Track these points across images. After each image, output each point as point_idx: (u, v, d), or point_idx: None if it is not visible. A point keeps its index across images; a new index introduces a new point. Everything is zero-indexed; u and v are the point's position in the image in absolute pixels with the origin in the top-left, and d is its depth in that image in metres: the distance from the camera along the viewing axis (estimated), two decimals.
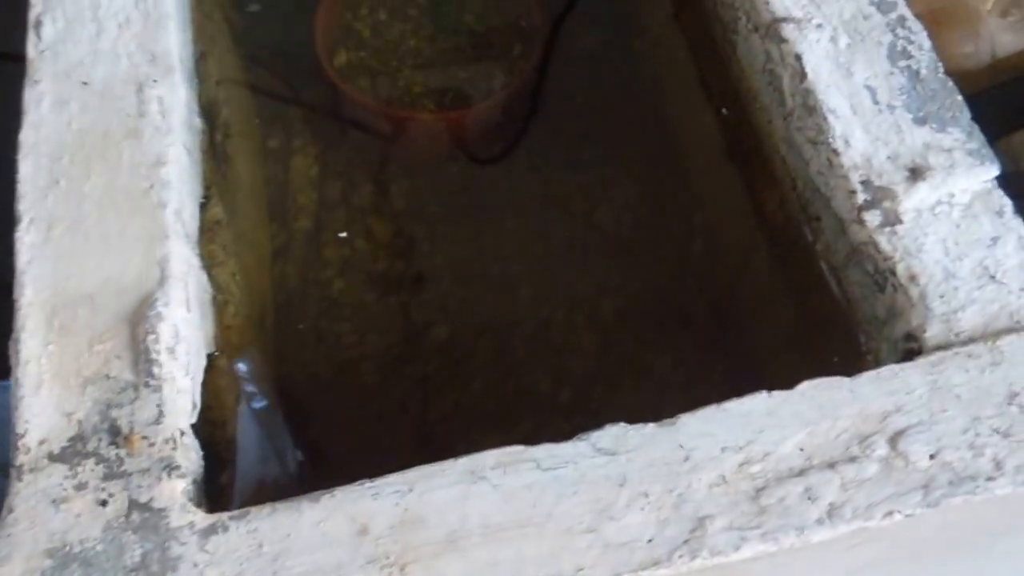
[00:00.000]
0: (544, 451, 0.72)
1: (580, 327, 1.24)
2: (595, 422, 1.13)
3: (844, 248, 0.88)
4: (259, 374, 1.00)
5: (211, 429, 0.88)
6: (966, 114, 0.89)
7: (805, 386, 0.75)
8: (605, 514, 0.69)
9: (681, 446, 0.72)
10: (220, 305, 0.96)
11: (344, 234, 1.23)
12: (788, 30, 0.94)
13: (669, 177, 1.30)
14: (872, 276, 0.84)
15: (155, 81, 0.90)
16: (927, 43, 0.93)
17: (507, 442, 1.16)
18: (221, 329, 0.94)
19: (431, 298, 1.25)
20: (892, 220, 0.84)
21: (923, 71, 0.91)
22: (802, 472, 0.71)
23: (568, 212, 1.31)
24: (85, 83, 0.88)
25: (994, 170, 0.86)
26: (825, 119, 0.88)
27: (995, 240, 0.82)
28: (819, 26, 0.94)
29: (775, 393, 0.75)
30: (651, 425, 0.73)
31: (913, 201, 0.84)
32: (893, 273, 0.81)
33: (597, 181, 1.31)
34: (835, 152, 0.87)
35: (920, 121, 0.88)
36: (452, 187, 1.34)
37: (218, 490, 0.86)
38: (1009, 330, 0.77)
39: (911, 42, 0.93)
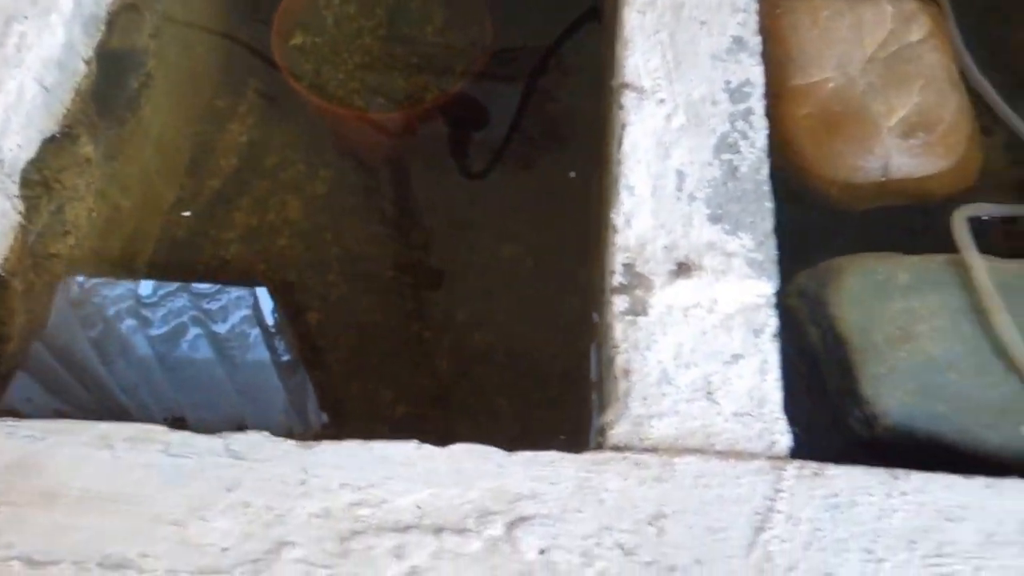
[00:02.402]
0: (180, 438, 0.73)
1: (445, 350, 1.24)
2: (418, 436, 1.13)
3: (602, 327, 0.85)
4: None
5: None
6: (767, 222, 0.84)
7: (457, 448, 0.73)
8: (199, 513, 0.69)
9: (305, 470, 0.71)
10: (53, 235, 1.01)
11: (188, 213, 1.27)
12: (629, 98, 0.91)
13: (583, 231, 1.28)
14: (605, 362, 0.81)
15: (26, 18, 0.96)
16: (762, 142, 0.88)
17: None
18: (43, 257, 1.00)
19: (315, 285, 1.28)
20: (637, 310, 0.80)
21: (743, 169, 0.86)
22: (406, 529, 0.69)
23: (476, 241, 1.31)
24: None
25: (770, 287, 0.81)
26: (619, 194, 0.85)
27: (736, 358, 0.77)
28: (661, 101, 0.90)
29: (425, 446, 0.73)
30: (290, 442, 0.73)
31: (667, 297, 0.80)
32: (612, 362, 0.78)
33: (522, 220, 1.30)
34: (615, 229, 0.84)
35: (715, 219, 0.84)
36: (378, 186, 1.36)
37: None
38: (695, 451, 0.73)
39: (745, 137, 0.88)
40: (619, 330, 0.79)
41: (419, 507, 0.70)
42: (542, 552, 0.68)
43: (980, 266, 0.84)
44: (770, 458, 0.73)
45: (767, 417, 0.75)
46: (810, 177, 1.02)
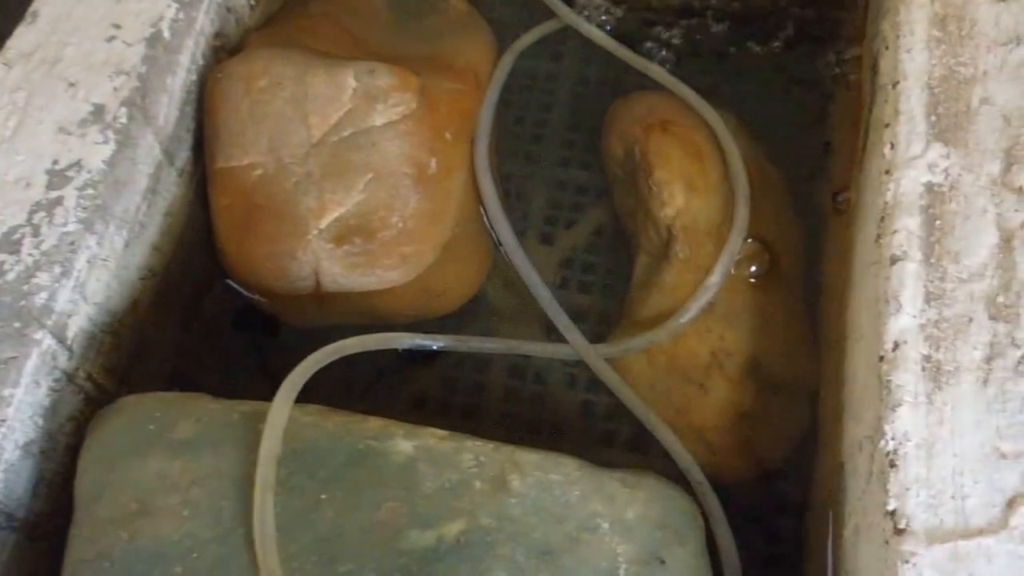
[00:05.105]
0: None
1: None
2: None
3: None
4: None
5: None
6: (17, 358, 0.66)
7: None
8: None
9: None
10: None
11: None
12: None
13: None
14: None
15: None
16: (52, 241, 0.70)
17: None
18: None
19: None
20: None
21: (11, 275, 0.69)
22: None
23: None
24: None
25: None
26: None
27: None
28: None
29: None
30: None
31: None
32: None
33: None
34: None
35: None
36: None
37: None
38: None
39: (36, 235, 0.71)
40: None
41: None
42: None
43: (276, 423, 0.66)
44: None
45: None
46: (236, 283, 0.85)
